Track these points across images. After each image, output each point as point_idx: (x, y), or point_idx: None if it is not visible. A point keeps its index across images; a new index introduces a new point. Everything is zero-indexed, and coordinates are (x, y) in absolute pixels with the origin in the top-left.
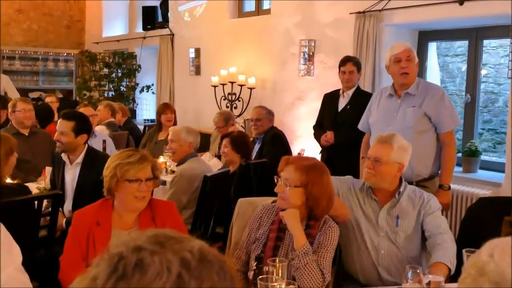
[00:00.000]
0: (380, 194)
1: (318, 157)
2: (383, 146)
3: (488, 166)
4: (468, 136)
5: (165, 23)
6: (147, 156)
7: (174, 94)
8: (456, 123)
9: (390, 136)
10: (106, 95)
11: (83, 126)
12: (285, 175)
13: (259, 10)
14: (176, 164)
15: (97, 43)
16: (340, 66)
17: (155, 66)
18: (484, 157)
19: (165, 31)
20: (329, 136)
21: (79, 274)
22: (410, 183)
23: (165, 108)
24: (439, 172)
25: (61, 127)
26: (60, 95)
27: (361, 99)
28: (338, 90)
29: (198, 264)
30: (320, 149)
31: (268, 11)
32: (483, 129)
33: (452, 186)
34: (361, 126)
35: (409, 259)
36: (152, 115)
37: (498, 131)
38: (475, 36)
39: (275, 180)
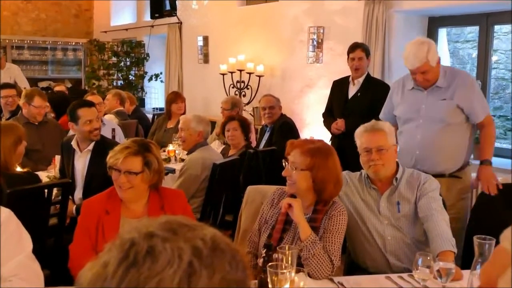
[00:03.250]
0: (379, 182)
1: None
2: (378, 134)
3: (498, 153)
4: None
5: (173, 11)
6: (142, 151)
7: (183, 82)
8: (487, 110)
9: (376, 123)
10: (114, 84)
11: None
12: (291, 159)
13: None
14: (186, 152)
15: (106, 32)
16: (349, 52)
17: (163, 54)
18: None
19: (173, 19)
20: (339, 124)
21: (88, 262)
22: (443, 175)
23: (176, 97)
24: (470, 162)
25: (94, 114)
26: (69, 84)
27: (371, 86)
28: (348, 77)
29: (210, 252)
30: (330, 136)
31: None
32: (493, 115)
33: None
34: (382, 116)
35: (416, 244)
36: (161, 104)
37: (509, 117)
38: (486, 21)
39: (283, 164)
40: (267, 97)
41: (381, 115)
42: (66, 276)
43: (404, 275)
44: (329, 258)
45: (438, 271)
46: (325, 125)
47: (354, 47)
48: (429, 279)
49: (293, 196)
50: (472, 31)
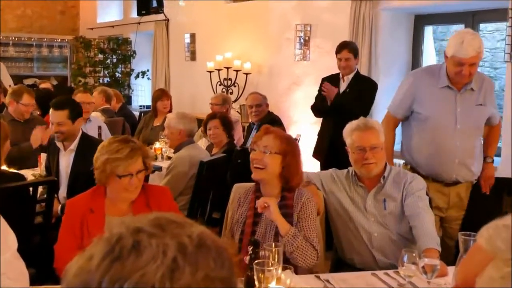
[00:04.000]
0: (366, 180)
1: (314, 141)
2: (371, 132)
3: None
4: None
5: (160, 8)
6: (137, 149)
7: (170, 79)
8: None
9: (367, 121)
10: (101, 81)
11: (77, 111)
12: (264, 143)
13: None
14: (173, 150)
15: (92, 29)
16: (336, 53)
17: (150, 51)
18: None
19: (160, 17)
20: (327, 86)
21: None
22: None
23: (161, 95)
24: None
25: (57, 118)
26: (55, 82)
27: (359, 83)
28: (338, 74)
29: (195, 249)
30: (316, 133)
31: None
32: None
33: None
34: (394, 108)
35: (402, 240)
36: (148, 101)
37: None
38: (472, 20)
39: (249, 151)
40: (254, 95)
41: (391, 109)
42: (51, 274)
43: (390, 271)
44: (311, 246)
45: (423, 267)
46: (313, 109)
47: (341, 48)
48: (414, 276)
49: (258, 187)
50: (457, 30)
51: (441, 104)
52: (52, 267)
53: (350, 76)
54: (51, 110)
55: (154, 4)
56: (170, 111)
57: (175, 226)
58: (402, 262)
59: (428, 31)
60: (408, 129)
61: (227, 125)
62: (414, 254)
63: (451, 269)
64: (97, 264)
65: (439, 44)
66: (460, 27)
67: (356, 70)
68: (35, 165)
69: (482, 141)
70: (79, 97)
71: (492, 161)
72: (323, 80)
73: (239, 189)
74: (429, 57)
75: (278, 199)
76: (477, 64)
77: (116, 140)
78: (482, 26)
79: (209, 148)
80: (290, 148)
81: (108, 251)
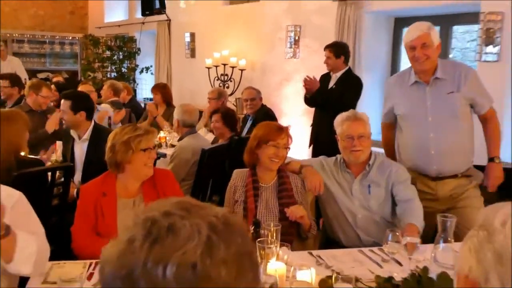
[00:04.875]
0: (353, 167)
1: (307, 132)
2: (359, 123)
3: None
4: None
5: (162, 9)
6: (148, 128)
7: (172, 75)
8: (492, 101)
9: (356, 112)
10: (108, 75)
11: (81, 104)
12: (284, 142)
13: None
14: (177, 139)
15: (99, 27)
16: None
17: (153, 49)
18: None
19: (163, 17)
20: (307, 79)
21: (90, 242)
22: (455, 176)
23: (153, 89)
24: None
25: (62, 106)
26: (66, 76)
27: (345, 81)
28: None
29: (224, 227)
30: (304, 124)
31: None
32: None
33: None
34: (383, 118)
35: (384, 222)
36: (151, 94)
37: None
38: (446, 22)
39: (267, 145)
40: (249, 89)
41: (382, 119)
42: (67, 253)
43: (375, 249)
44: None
45: (405, 245)
46: (305, 99)
47: (325, 47)
48: (397, 252)
49: (254, 172)
50: None
51: (412, 100)
52: (67, 246)
53: (338, 74)
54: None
55: (157, 5)
56: (164, 102)
57: (199, 208)
58: (387, 241)
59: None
60: (397, 130)
61: (228, 119)
62: (397, 233)
63: (430, 246)
64: (139, 246)
65: None
66: (436, 28)
67: (347, 68)
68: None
69: (473, 133)
70: (81, 88)
71: (498, 160)
72: (321, 76)
73: (238, 174)
74: (407, 56)
75: (275, 180)
76: (428, 45)
77: (127, 125)
78: (454, 28)
79: (215, 140)
80: (291, 140)
81: (146, 233)
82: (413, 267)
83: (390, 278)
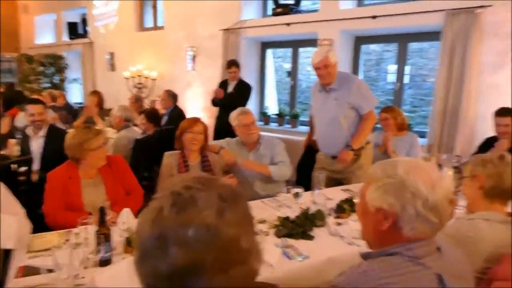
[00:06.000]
0: (248, 145)
1: (208, 123)
2: (250, 114)
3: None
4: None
5: (85, 34)
6: (99, 130)
7: (97, 84)
8: (373, 104)
9: (245, 108)
10: (42, 86)
11: (45, 105)
12: (197, 128)
13: (156, 26)
14: (115, 132)
15: (32, 48)
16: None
17: (79, 64)
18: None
19: (86, 40)
20: (217, 90)
21: (61, 216)
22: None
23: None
24: (370, 141)
25: (38, 109)
26: (5, 87)
27: (240, 87)
28: (227, 79)
29: (232, 197)
30: (204, 119)
31: (162, 27)
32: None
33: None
34: (309, 111)
35: (270, 178)
36: (79, 99)
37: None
38: (296, 45)
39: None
40: (163, 92)
41: (309, 112)
42: (37, 227)
43: (270, 199)
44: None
45: (293, 194)
46: (213, 103)
47: (232, 64)
48: (287, 200)
49: (183, 154)
50: (281, 51)
51: (317, 103)
52: (37, 222)
53: (234, 82)
54: (31, 105)
55: (81, 31)
56: (97, 106)
57: (211, 182)
58: (281, 192)
59: (269, 53)
60: None
61: (151, 118)
62: (288, 187)
63: (309, 193)
64: (168, 214)
65: (275, 61)
66: (287, 50)
67: (239, 78)
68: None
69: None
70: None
71: (350, 149)
72: (219, 83)
73: (169, 156)
74: (269, 70)
75: (199, 159)
76: (329, 66)
77: (81, 129)
78: (301, 50)
79: (144, 133)
80: (206, 128)
81: (172, 203)
82: (299, 208)
83: (288, 217)
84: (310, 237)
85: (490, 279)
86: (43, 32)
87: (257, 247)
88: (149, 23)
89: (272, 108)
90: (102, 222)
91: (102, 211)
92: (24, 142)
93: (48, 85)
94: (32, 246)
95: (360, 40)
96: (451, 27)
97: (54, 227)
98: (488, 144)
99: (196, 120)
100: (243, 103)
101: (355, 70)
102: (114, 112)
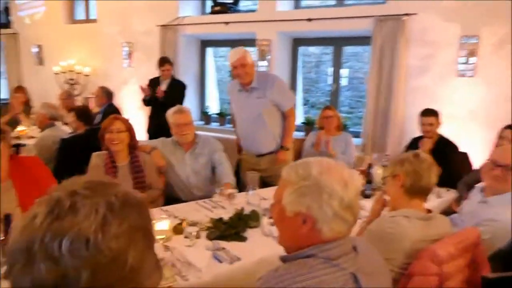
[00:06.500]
0: (184, 145)
1: (144, 121)
2: (186, 113)
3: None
4: None
5: (8, 24)
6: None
7: (23, 79)
8: (292, 101)
9: (181, 107)
10: None
11: None
12: (116, 126)
13: (88, 19)
14: (39, 131)
15: None
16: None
17: (3, 57)
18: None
19: (10, 31)
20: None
21: None
22: (271, 153)
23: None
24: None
25: None
26: None
27: (174, 85)
28: (159, 76)
29: (121, 205)
30: (139, 117)
31: (95, 20)
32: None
33: None
34: (231, 109)
35: (208, 179)
36: (3, 95)
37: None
38: (235, 44)
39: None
40: (97, 88)
41: (231, 110)
42: None
43: (206, 200)
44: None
45: (227, 195)
46: (144, 103)
47: (165, 62)
48: (222, 201)
49: (111, 154)
50: (224, 50)
51: (238, 103)
52: None
53: (167, 80)
54: None
55: (3, 20)
56: (23, 104)
57: (103, 187)
58: (215, 194)
59: (210, 51)
60: None
61: (81, 116)
62: (222, 188)
63: (243, 194)
64: (40, 223)
65: (216, 59)
66: (226, 49)
67: (172, 76)
68: None
69: (281, 124)
70: None
71: (286, 149)
72: (150, 80)
73: (96, 157)
74: (210, 68)
75: (128, 160)
76: (246, 66)
77: None
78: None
79: (73, 132)
80: (130, 126)
81: (48, 211)
82: (234, 209)
83: (221, 219)
84: (243, 239)
85: (409, 274)
86: None
87: (151, 263)
88: (80, 15)
89: (213, 107)
90: (7, 232)
91: (7, 219)
92: None
93: None
94: None
95: (298, 42)
96: (380, 33)
97: None
98: (414, 144)
99: (114, 118)
100: (179, 102)
101: (293, 71)
102: (37, 109)
